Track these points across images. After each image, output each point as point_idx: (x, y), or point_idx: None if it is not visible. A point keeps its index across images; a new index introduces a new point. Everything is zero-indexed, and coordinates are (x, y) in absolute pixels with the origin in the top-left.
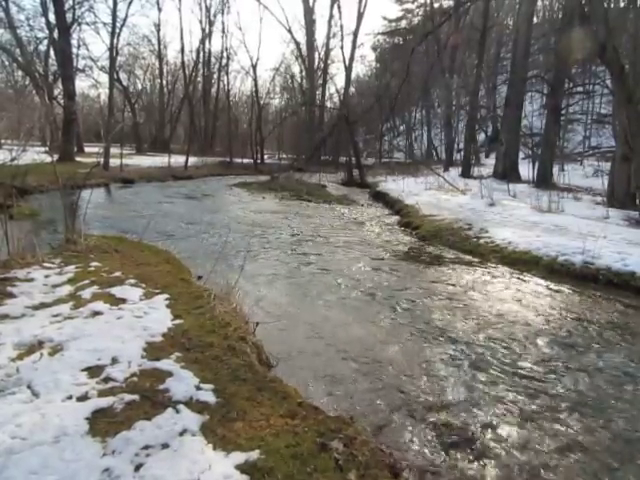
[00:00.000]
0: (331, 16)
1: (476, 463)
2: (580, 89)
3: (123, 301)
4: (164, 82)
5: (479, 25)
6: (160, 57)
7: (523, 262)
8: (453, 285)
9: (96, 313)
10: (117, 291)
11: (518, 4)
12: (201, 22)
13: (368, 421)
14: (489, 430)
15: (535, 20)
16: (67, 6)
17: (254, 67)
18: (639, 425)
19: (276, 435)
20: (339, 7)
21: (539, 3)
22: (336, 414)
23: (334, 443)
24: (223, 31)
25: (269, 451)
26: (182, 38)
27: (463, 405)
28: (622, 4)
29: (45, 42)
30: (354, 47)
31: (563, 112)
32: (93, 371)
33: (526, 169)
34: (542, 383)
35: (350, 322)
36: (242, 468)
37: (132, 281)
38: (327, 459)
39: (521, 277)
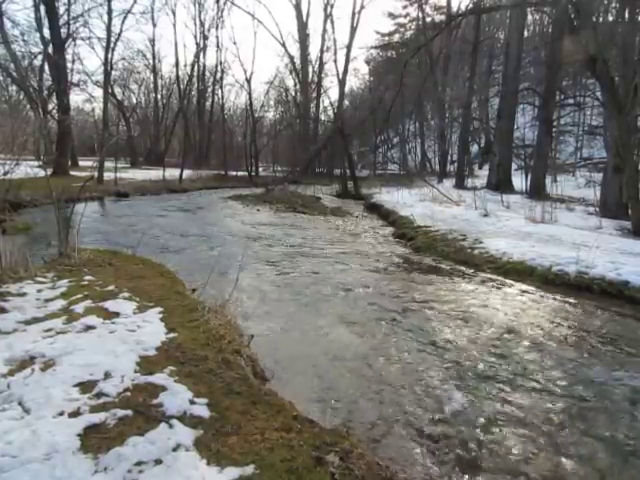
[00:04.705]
0: (324, 30)
1: (474, 476)
2: (571, 101)
3: (116, 315)
4: (159, 96)
5: (471, 38)
6: (155, 71)
7: (517, 272)
8: (448, 296)
9: (89, 327)
10: (110, 305)
11: (509, 18)
12: (195, 37)
13: (364, 434)
14: (487, 443)
15: (526, 33)
16: (62, 21)
17: (248, 81)
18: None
19: (271, 449)
20: (332, 22)
21: (529, 17)
22: (332, 427)
23: (330, 457)
24: (217, 45)
25: (264, 466)
26: (177, 52)
27: (460, 418)
28: (611, 18)
29: (40, 57)
30: (347, 61)
31: (555, 124)
32: (85, 386)
33: (519, 180)
34: (537, 392)
35: (345, 333)
36: None
37: (126, 295)
38: (323, 473)
39: (515, 287)
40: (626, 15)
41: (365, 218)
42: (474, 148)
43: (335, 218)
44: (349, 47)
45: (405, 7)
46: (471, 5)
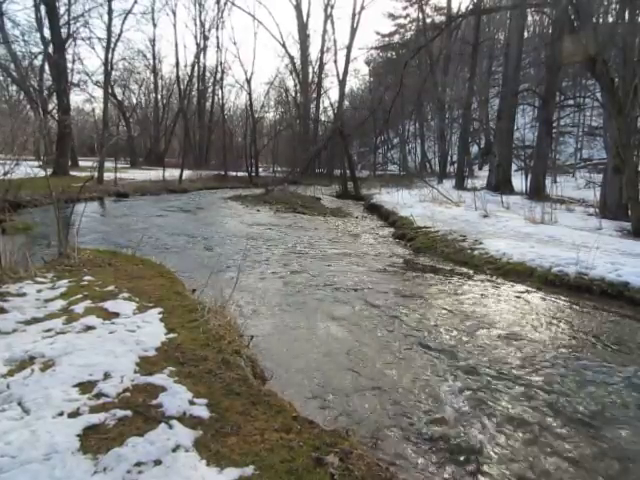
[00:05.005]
0: (325, 31)
1: (474, 477)
2: (571, 102)
3: (116, 315)
4: (159, 96)
5: (471, 39)
6: (155, 71)
7: (517, 273)
8: (447, 297)
9: (89, 328)
10: (110, 305)
11: (509, 19)
12: (196, 37)
13: (364, 434)
14: (486, 442)
15: (526, 34)
16: (62, 22)
17: (248, 81)
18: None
19: (271, 450)
20: (332, 22)
21: (529, 18)
22: (332, 428)
23: (330, 458)
24: (218, 46)
25: (264, 466)
26: (177, 53)
27: (459, 418)
28: (611, 18)
29: (40, 57)
30: (347, 61)
31: (555, 124)
32: (85, 387)
33: (519, 181)
34: (534, 391)
35: (345, 334)
36: None
37: (125, 295)
38: (323, 474)
39: (515, 288)
40: (626, 16)
41: (365, 219)
42: (474, 149)
43: (335, 219)
44: (349, 48)
45: (405, 8)
46: (471, 6)
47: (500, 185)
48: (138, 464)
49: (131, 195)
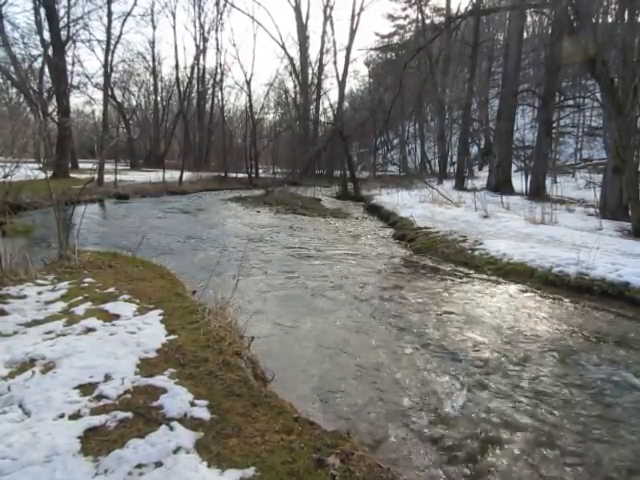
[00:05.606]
0: (324, 32)
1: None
2: (571, 102)
3: (117, 317)
4: (159, 98)
5: (470, 40)
6: (155, 73)
7: (518, 273)
8: (447, 297)
9: (89, 329)
10: (111, 307)
11: (508, 19)
12: (195, 39)
13: (365, 436)
14: (487, 443)
15: (525, 35)
16: (62, 24)
17: (248, 83)
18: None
19: (272, 451)
20: (332, 23)
21: (529, 18)
22: (333, 429)
23: (331, 459)
24: (217, 47)
25: (264, 468)
26: (176, 55)
27: (461, 418)
28: (610, 19)
29: (40, 59)
30: (347, 62)
31: (554, 125)
32: (86, 389)
33: (519, 181)
34: (532, 391)
35: (346, 335)
36: None
37: (126, 297)
38: (324, 475)
39: (516, 288)
40: (625, 16)
41: (365, 219)
42: (474, 149)
43: (335, 219)
44: (349, 49)
45: (404, 9)
46: (470, 7)
47: (500, 185)
48: (139, 466)
49: (131, 197)
